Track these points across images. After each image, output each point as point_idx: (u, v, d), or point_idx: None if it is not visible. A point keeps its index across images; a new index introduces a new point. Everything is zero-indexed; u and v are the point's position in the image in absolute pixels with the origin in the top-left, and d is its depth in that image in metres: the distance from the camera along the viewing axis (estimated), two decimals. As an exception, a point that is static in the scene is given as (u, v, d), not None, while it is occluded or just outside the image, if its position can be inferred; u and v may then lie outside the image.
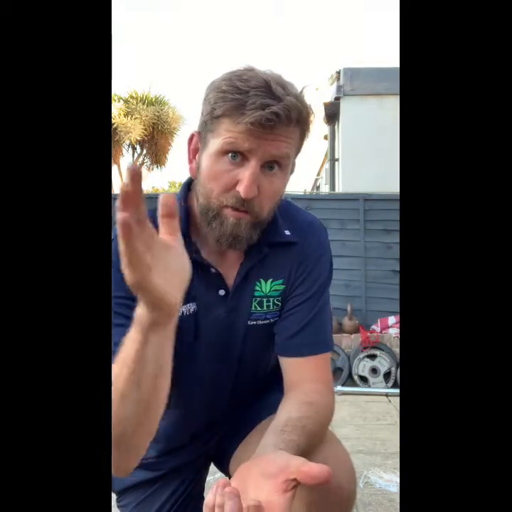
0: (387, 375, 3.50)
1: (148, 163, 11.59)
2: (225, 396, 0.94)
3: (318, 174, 10.39)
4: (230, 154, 0.72)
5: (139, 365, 0.59)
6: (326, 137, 7.60)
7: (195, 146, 0.79)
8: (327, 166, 8.02)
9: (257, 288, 0.84)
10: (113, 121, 9.63)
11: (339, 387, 3.37)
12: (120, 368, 0.60)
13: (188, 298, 0.80)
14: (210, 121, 0.74)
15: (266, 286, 0.85)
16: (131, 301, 0.76)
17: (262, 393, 0.96)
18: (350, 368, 3.55)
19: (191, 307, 0.83)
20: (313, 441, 0.71)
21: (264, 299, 0.84)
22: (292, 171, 0.82)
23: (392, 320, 3.86)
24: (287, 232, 0.85)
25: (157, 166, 11.67)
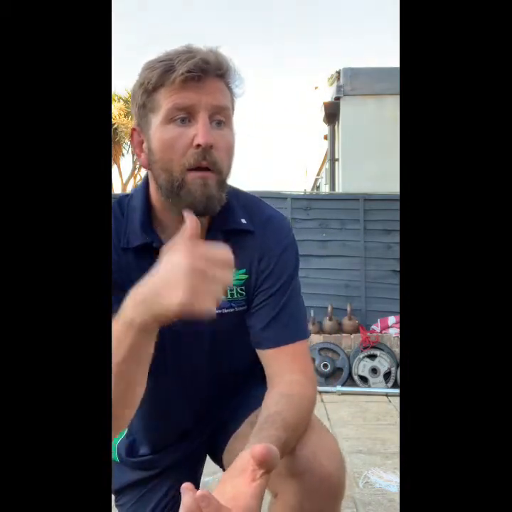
0: (387, 375, 3.49)
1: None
2: (204, 391, 0.94)
3: (318, 174, 10.38)
4: (177, 119, 0.74)
5: (127, 364, 0.64)
6: (325, 137, 7.59)
7: (138, 138, 0.81)
8: (327, 166, 8.02)
9: None
10: (113, 121, 9.63)
11: (339, 387, 3.36)
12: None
13: None
14: (147, 100, 0.76)
15: None
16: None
17: (248, 387, 0.96)
18: (350, 368, 3.55)
19: None
20: (296, 433, 0.72)
21: (228, 288, 0.84)
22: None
23: (392, 320, 3.86)
24: (243, 221, 0.85)
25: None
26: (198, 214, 0.75)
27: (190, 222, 0.64)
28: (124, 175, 11.36)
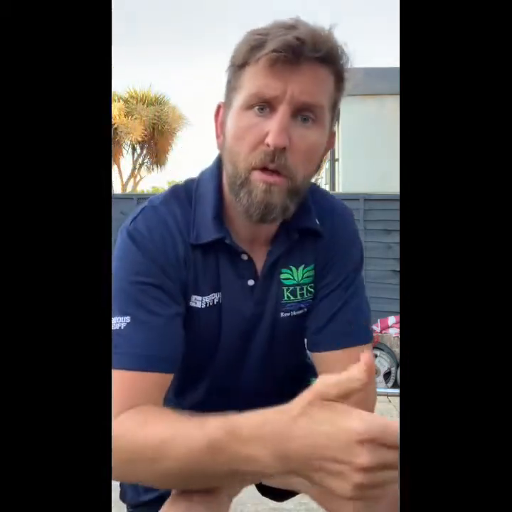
0: (387, 375, 3.50)
1: (148, 163, 11.60)
2: (250, 396, 0.87)
3: (318, 174, 10.39)
4: (256, 107, 0.64)
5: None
6: (326, 137, 7.58)
7: (222, 118, 0.71)
8: (327, 166, 8.02)
9: (289, 276, 0.76)
10: (113, 121, 9.65)
11: (339, 387, 3.36)
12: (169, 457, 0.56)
13: (212, 287, 0.74)
14: (233, 77, 0.67)
15: (298, 274, 0.77)
16: (160, 292, 0.69)
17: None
18: (350, 368, 3.55)
19: (215, 297, 0.74)
20: None
21: (298, 288, 0.76)
22: (332, 144, 0.73)
23: (392, 320, 3.86)
24: (317, 221, 0.77)
25: (157, 166, 11.68)
26: (252, 220, 0.67)
27: (365, 370, 0.50)
28: (124, 175, 11.37)
